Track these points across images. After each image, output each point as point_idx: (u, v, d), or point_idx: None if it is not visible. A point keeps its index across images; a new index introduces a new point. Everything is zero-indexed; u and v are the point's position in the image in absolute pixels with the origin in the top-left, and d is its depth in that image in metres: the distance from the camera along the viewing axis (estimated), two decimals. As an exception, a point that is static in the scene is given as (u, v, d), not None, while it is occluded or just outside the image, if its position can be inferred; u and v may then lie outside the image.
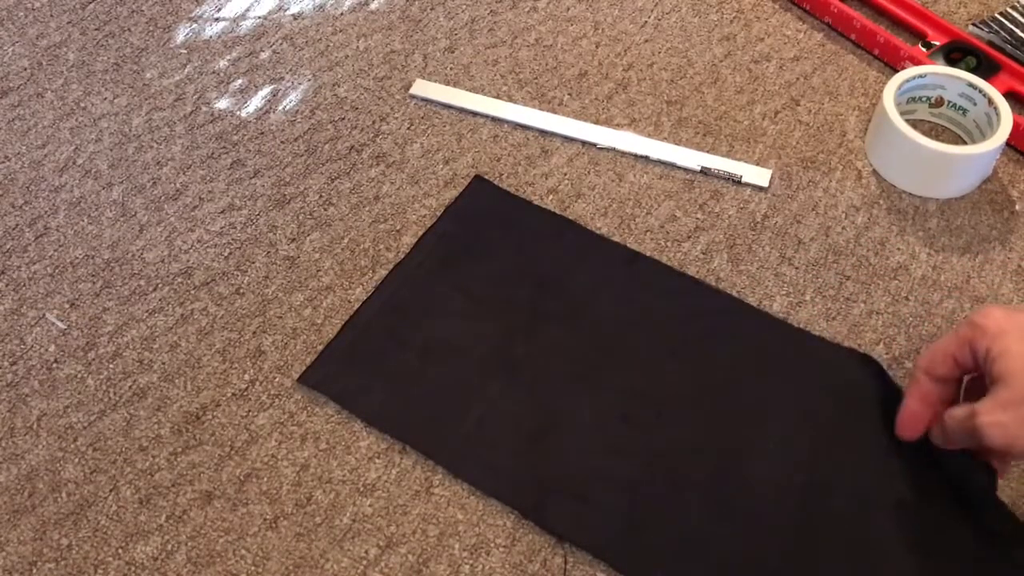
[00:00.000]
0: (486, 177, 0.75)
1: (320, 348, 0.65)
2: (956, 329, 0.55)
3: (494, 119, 0.79)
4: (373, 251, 0.71)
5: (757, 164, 0.75)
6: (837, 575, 0.55)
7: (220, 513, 0.59)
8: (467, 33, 0.86)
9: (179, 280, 0.70)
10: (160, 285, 0.70)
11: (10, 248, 0.73)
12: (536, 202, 0.73)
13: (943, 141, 0.72)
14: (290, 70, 0.84)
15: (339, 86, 0.82)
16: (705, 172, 0.75)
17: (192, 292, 0.69)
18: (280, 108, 0.81)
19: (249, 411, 0.63)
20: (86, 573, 0.57)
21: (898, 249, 0.70)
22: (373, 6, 0.89)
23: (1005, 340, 0.51)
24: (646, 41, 0.85)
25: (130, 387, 0.65)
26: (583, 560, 0.56)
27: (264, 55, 0.85)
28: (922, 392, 0.56)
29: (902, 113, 0.72)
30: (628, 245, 0.70)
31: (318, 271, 0.70)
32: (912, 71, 0.74)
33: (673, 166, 0.76)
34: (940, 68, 0.75)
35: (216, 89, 0.82)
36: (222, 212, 0.74)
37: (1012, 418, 0.49)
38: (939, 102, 0.76)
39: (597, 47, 0.85)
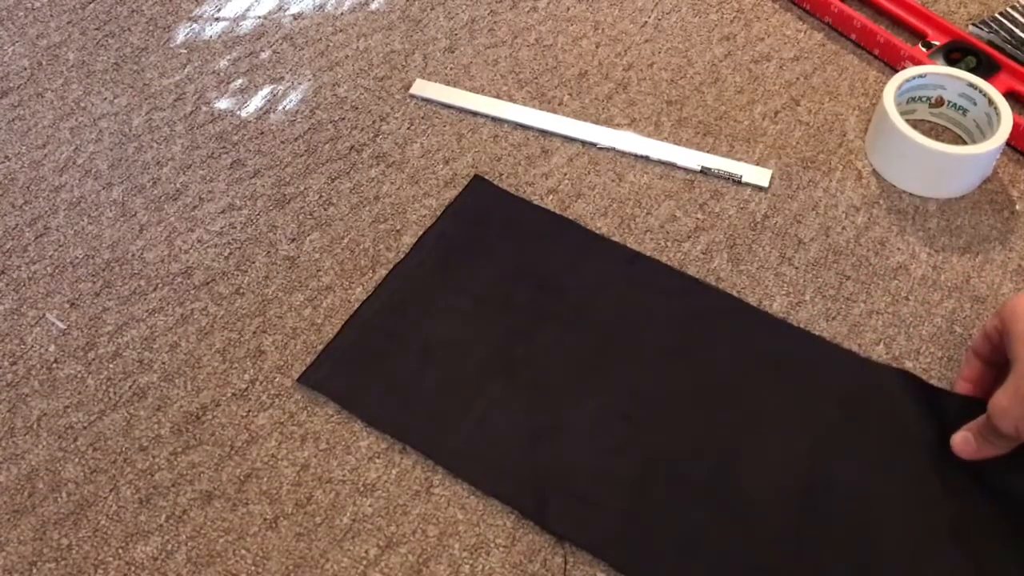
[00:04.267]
0: (486, 177, 0.75)
1: (320, 348, 0.65)
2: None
3: (494, 119, 0.79)
4: (373, 251, 0.71)
5: (757, 164, 0.75)
6: (836, 575, 0.55)
7: (220, 513, 0.59)
8: (467, 33, 0.86)
9: (179, 280, 0.70)
10: (160, 285, 0.70)
11: (10, 248, 0.73)
12: (536, 202, 0.73)
13: (943, 141, 0.72)
14: (290, 70, 0.84)
15: (339, 86, 0.82)
16: (705, 172, 0.75)
17: (192, 292, 0.69)
18: (280, 108, 0.81)
19: (249, 411, 0.63)
20: (86, 573, 0.57)
21: (898, 249, 0.70)
22: (373, 6, 0.89)
23: (1018, 324, 0.52)
24: (646, 41, 0.85)
25: (130, 387, 0.65)
26: (583, 560, 0.56)
27: (264, 55, 0.85)
28: (972, 374, 0.59)
29: (902, 113, 0.72)
30: (628, 245, 0.70)
31: (318, 271, 0.70)
32: (912, 71, 0.74)
33: (673, 166, 0.76)
34: (940, 68, 0.75)
35: (216, 89, 0.82)
36: (222, 212, 0.74)
37: (1017, 403, 0.50)
38: (939, 102, 0.76)
39: (597, 47, 0.85)
